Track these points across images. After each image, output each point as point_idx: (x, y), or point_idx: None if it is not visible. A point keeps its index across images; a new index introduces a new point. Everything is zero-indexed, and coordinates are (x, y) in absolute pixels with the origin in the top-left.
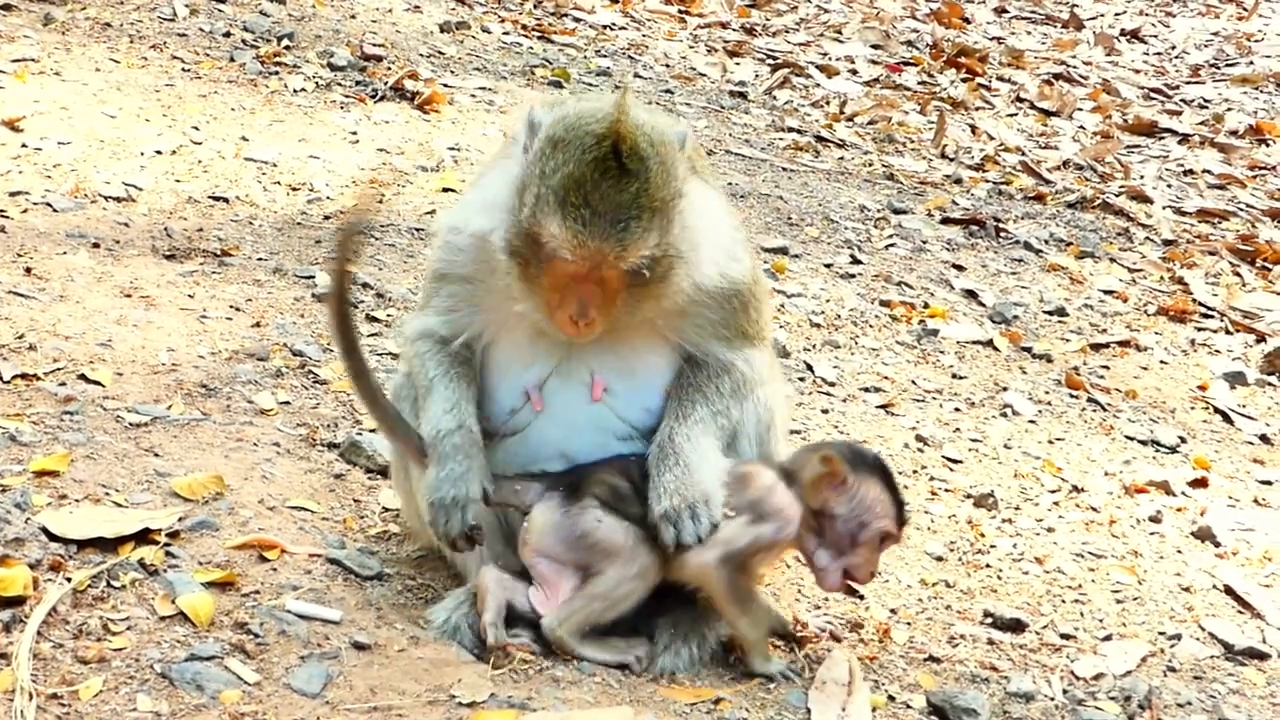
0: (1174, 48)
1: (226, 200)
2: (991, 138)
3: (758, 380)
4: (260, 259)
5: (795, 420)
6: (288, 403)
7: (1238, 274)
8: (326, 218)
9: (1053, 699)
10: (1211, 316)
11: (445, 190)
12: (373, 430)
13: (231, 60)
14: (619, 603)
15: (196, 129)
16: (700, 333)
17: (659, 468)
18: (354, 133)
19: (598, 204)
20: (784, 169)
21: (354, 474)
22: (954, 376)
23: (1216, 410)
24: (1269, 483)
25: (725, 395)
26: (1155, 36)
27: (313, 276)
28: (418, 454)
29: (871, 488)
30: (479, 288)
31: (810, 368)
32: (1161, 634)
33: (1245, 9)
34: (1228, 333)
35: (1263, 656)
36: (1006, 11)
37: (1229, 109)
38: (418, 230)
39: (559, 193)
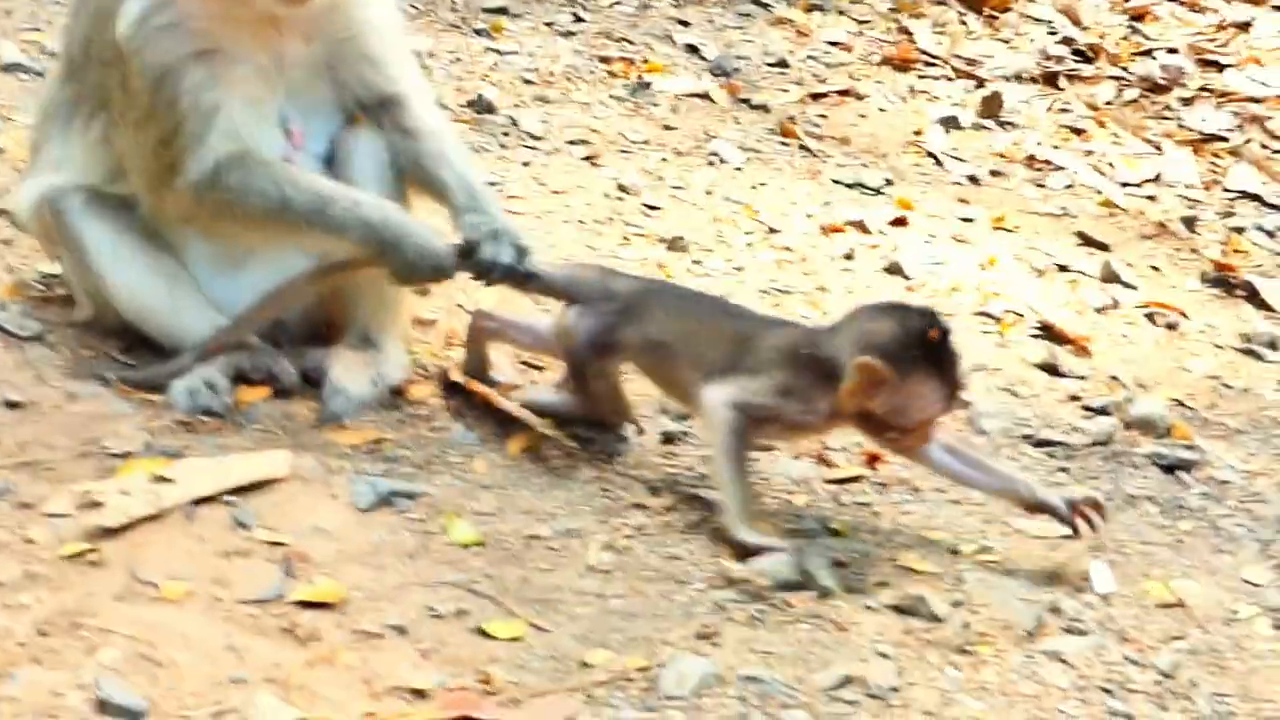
0: None
1: None
2: None
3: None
4: None
5: (494, 173)
6: None
7: (964, 23)
8: None
9: None
10: (934, 64)
11: None
12: None
13: None
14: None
15: None
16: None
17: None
18: None
19: None
20: None
21: (22, 238)
22: (665, 128)
23: (929, 154)
24: (969, 220)
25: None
26: None
27: None
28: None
29: (921, 379)
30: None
31: (515, 122)
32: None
33: None
34: (949, 79)
35: None
36: None
37: None
38: None
39: None
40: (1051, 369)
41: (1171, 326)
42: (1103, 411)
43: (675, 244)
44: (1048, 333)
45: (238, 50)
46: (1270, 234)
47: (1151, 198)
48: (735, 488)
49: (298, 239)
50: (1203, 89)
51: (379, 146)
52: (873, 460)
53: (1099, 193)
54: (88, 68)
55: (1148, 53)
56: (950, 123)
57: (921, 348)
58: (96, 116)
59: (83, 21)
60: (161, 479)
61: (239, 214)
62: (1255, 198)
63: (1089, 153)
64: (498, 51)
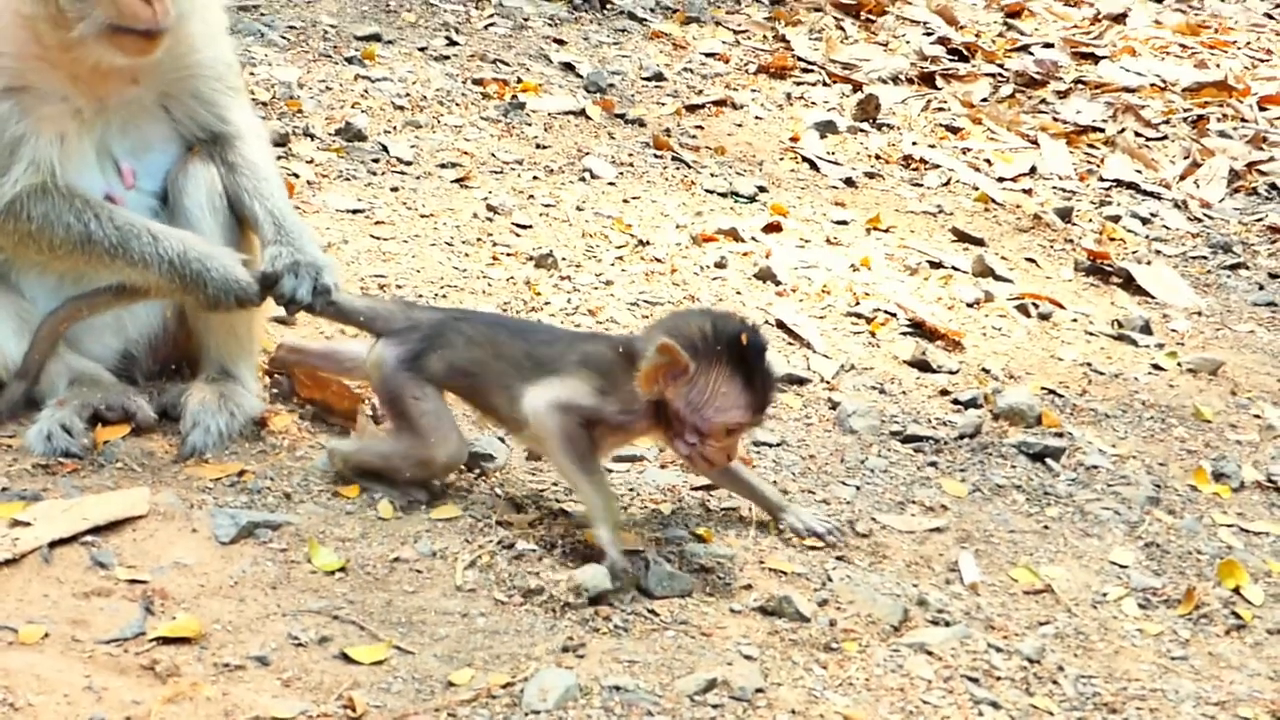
0: None
1: None
2: None
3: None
4: None
5: (362, 200)
6: None
7: (841, 28)
8: None
9: None
10: (811, 70)
11: None
12: None
13: None
14: (398, 473)
15: None
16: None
17: (278, 240)
18: None
19: None
20: None
21: None
22: (538, 147)
23: (805, 159)
24: (844, 222)
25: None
26: None
27: None
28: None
29: (719, 378)
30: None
31: (385, 149)
32: None
33: None
34: (825, 85)
35: (803, 381)
36: None
37: None
38: None
39: None
40: (922, 365)
41: (1045, 317)
42: (971, 404)
43: (543, 261)
44: (919, 330)
45: (50, 89)
46: (1145, 220)
47: (1028, 191)
48: (591, 490)
49: (103, 270)
50: (1078, 81)
51: (211, 178)
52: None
53: (975, 189)
54: None
55: (1024, 48)
56: (827, 127)
57: (728, 348)
58: None
59: None
60: (19, 523)
61: (43, 244)
62: (1131, 186)
63: (965, 150)
64: (369, 79)
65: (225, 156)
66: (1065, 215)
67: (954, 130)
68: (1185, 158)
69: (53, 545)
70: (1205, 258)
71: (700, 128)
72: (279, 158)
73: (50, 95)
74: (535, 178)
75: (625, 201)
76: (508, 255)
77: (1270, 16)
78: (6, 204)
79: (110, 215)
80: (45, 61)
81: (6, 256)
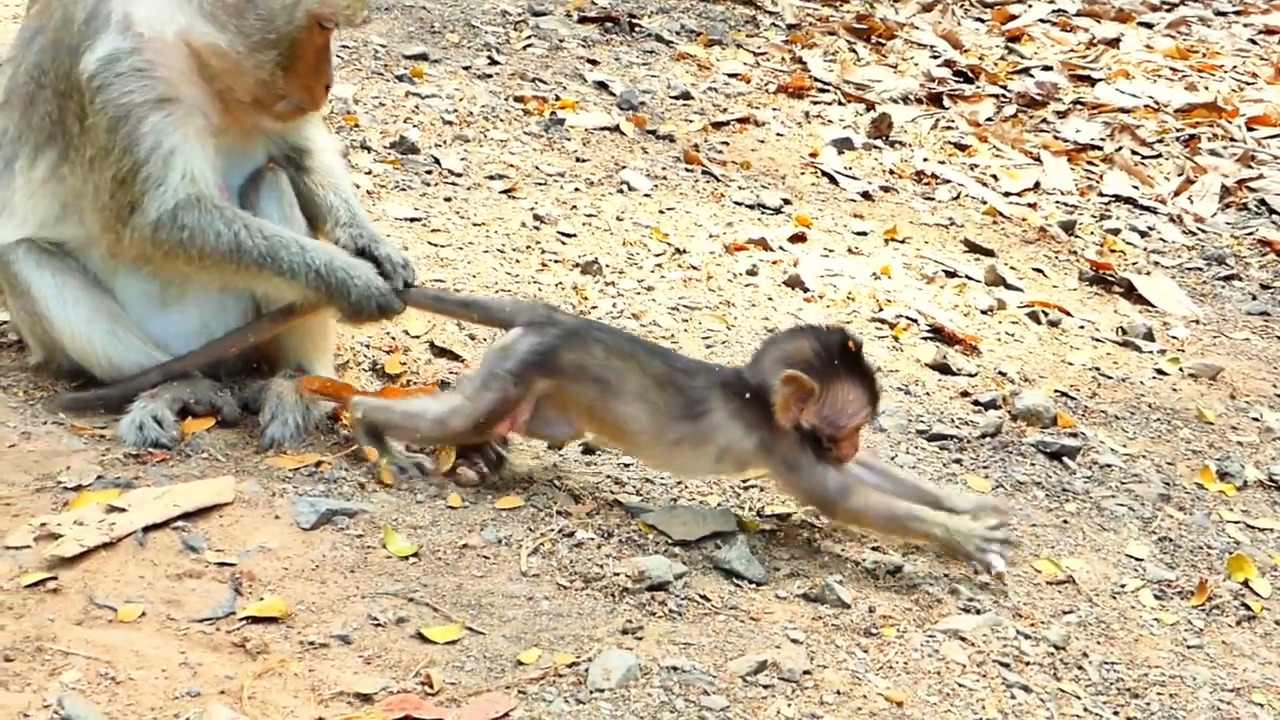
0: None
1: None
2: None
3: (331, 147)
4: None
5: (418, 209)
6: None
7: (854, 50)
8: None
9: None
10: (827, 90)
11: None
12: None
13: None
14: (414, 430)
15: None
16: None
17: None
18: None
19: None
20: None
21: None
22: (577, 160)
23: (824, 173)
24: (864, 233)
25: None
26: None
27: None
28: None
29: (843, 387)
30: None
31: (438, 161)
32: None
33: None
34: (840, 104)
35: None
36: None
37: None
38: None
39: None
40: (943, 368)
41: (1054, 324)
42: (991, 405)
43: (589, 268)
44: (938, 335)
45: (197, 104)
46: (1143, 234)
47: (1033, 205)
48: None
49: (248, 282)
50: (1076, 102)
51: (286, 189)
52: None
53: (983, 203)
54: (37, 98)
55: (1024, 71)
56: (843, 144)
57: (840, 358)
58: (43, 153)
59: (35, 51)
60: (114, 509)
61: (193, 255)
62: (1129, 200)
63: (973, 166)
64: (419, 95)
65: (301, 163)
66: (1068, 228)
67: (962, 147)
68: (1179, 175)
69: (146, 530)
70: (1200, 269)
71: (726, 143)
72: None
73: (195, 110)
74: (577, 189)
75: (661, 212)
76: (555, 262)
77: (1254, 42)
78: (165, 215)
79: (259, 226)
80: (201, 87)
81: (103, 257)
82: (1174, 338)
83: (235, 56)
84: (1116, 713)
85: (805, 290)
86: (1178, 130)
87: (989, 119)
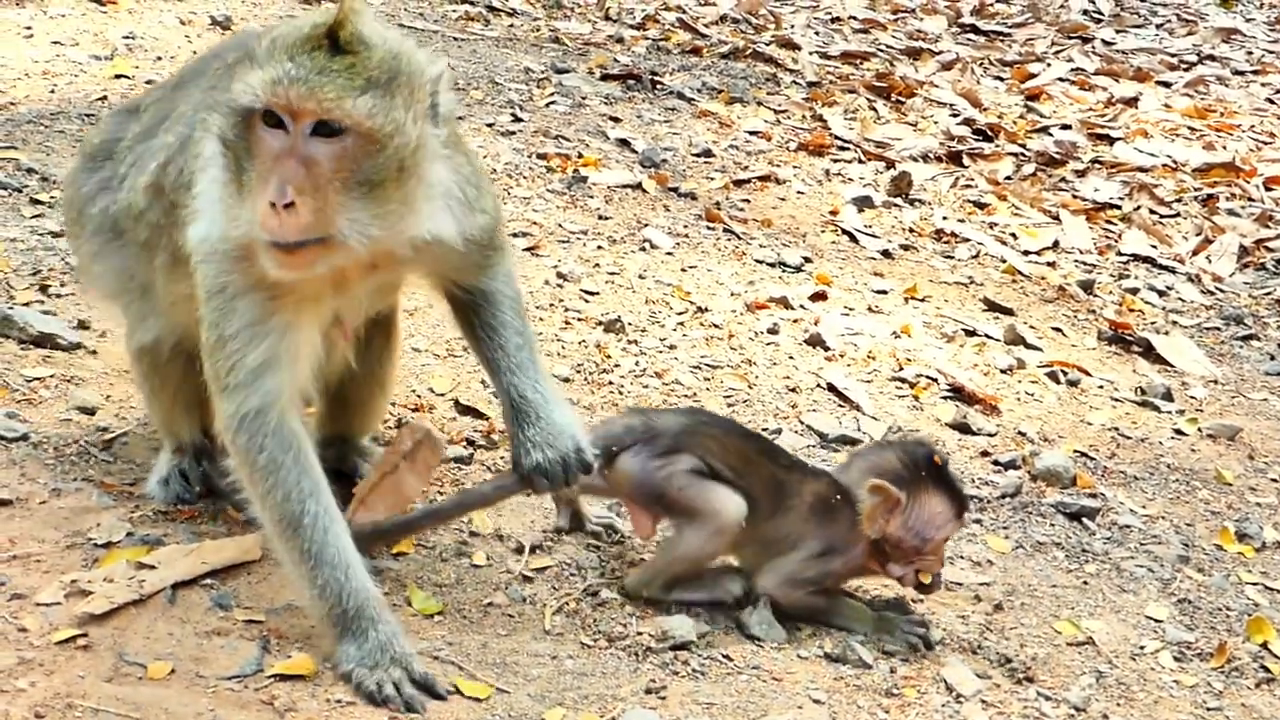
0: None
1: None
2: None
3: (517, 293)
4: None
5: None
6: None
7: (874, 109)
8: None
9: None
10: (847, 148)
11: (118, 77)
12: (25, 303)
13: None
14: (700, 561)
15: None
16: (456, 272)
17: (519, 423)
18: (28, 28)
19: (303, 61)
20: (455, 39)
21: (6, 344)
22: (600, 218)
23: (844, 231)
24: (884, 292)
25: (513, 320)
26: None
27: None
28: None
29: (929, 499)
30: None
31: None
32: (765, 429)
33: None
34: (860, 162)
35: (855, 442)
36: None
37: None
38: (87, 116)
39: (263, 58)
40: (963, 428)
41: (1073, 383)
42: (1011, 465)
43: (612, 326)
44: (958, 394)
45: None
46: (1162, 293)
47: (1051, 264)
48: (842, 619)
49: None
50: (1095, 161)
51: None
52: None
53: (1003, 261)
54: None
55: (1043, 129)
56: (863, 202)
57: (926, 471)
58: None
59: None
60: (144, 566)
61: (254, 463)
62: (1147, 260)
63: (992, 225)
64: None
65: (471, 318)
66: (1087, 287)
67: (981, 206)
68: (1197, 234)
69: (175, 587)
70: (1219, 329)
71: (747, 201)
72: None
73: (293, 303)
74: (599, 247)
75: (683, 270)
76: (579, 320)
77: (1271, 101)
78: (237, 417)
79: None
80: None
81: (184, 326)
82: (1192, 398)
83: None
84: None
85: (826, 349)
86: (1196, 189)
87: (1008, 177)
